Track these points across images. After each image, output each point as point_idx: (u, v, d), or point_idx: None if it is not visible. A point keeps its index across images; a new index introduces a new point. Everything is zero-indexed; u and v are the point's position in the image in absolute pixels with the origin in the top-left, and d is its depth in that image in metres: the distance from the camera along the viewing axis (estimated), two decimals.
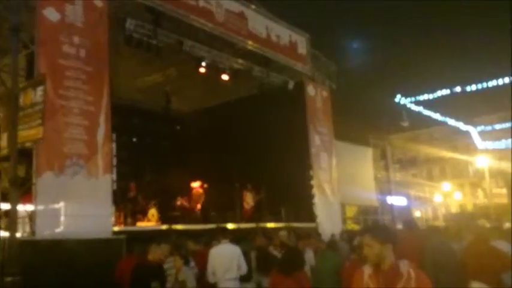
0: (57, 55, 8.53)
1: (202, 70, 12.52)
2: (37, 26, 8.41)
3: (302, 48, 14.85)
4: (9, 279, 6.37)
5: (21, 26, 8.16)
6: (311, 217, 14.47)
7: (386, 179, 19.40)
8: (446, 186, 45.43)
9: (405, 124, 19.62)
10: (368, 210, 18.10)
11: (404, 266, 3.10)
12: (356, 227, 16.52)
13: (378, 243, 3.14)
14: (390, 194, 19.47)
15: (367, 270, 3.21)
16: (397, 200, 19.70)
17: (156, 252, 6.46)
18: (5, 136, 6.97)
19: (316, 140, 15.03)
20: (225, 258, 7.49)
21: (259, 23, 13.33)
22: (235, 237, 8.14)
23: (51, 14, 8.54)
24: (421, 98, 19.30)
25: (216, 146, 15.08)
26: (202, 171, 15.07)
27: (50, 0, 8.56)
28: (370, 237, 3.20)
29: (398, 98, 17.39)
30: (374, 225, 3.55)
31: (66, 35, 8.70)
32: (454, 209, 43.53)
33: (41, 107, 6.22)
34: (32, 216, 7.92)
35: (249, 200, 14.77)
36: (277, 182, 15.34)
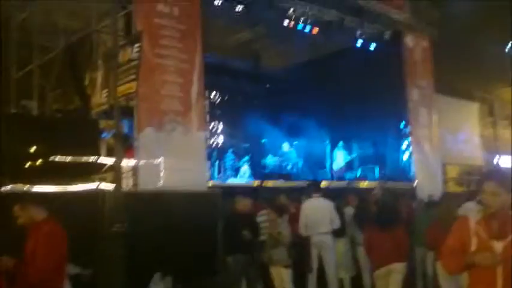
0: (152, 14, 8.72)
1: (291, 24, 12.16)
2: None
3: None
4: (115, 227, 6.85)
5: None
6: (408, 177, 13.80)
7: (493, 137, 17.81)
8: None
9: None
10: (472, 170, 16.81)
11: None
12: (459, 189, 15.48)
13: (505, 191, 2.89)
14: (498, 153, 17.89)
15: (473, 217, 3.00)
16: (504, 160, 18.08)
17: (243, 203, 6.56)
18: (104, 93, 7.37)
19: (414, 95, 14.05)
20: (318, 211, 7.42)
21: None
22: (328, 194, 8.01)
23: None
24: None
25: (307, 103, 14.79)
26: (293, 129, 14.97)
27: None
28: (496, 184, 2.94)
29: (510, 46, 15.56)
30: (497, 170, 3.30)
31: None
32: None
33: (137, 62, 6.45)
34: (134, 170, 8.37)
35: (339, 159, 14.45)
36: (372, 139, 14.82)
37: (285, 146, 14.41)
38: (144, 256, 6.87)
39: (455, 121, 15.71)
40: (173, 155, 8.57)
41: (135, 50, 6.55)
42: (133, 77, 6.57)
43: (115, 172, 7.56)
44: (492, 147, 17.73)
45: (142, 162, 8.30)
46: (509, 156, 17.37)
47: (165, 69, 8.71)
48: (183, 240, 7.21)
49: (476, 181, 15.40)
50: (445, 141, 14.66)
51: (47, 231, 3.88)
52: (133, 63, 6.56)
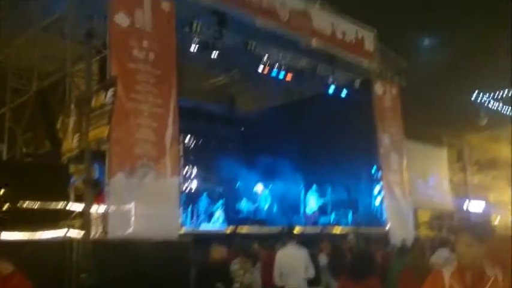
0: (127, 59, 8.75)
1: (266, 70, 12.44)
2: (108, 31, 8.69)
3: (369, 44, 14.28)
4: (83, 275, 6.59)
5: (94, 32, 8.54)
6: (381, 221, 13.89)
7: (463, 182, 18.23)
8: None
9: (483, 122, 18.31)
10: (443, 215, 17.07)
11: (489, 267, 2.90)
12: (430, 233, 15.64)
13: (478, 242, 2.90)
14: (467, 198, 18.27)
15: (447, 270, 2.99)
16: (475, 205, 18.45)
17: (218, 253, 6.42)
18: (76, 137, 7.25)
19: (385, 140, 14.37)
20: (292, 259, 7.30)
21: (324, 20, 12.99)
22: (302, 241, 7.93)
23: (121, 19, 8.78)
24: (502, 93, 17.90)
25: (281, 147, 14.92)
26: (268, 173, 14.98)
27: (120, 6, 8.82)
28: (470, 235, 2.94)
29: (476, 95, 16.25)
30: (471, 221, 3.33)
31: (136, 39, 8.91)
32: None
33: (109, 107, 6.40)
34: (104, 216, 8.14)
35: (312, 204, 14.47)
36: (344, 185, 14.96)
37: (259, 188, 14.35)
38: None
39: (425, 166, 16.05)
40: (145, 201, 8.39)
41: (109, 95, 6.51)
42: (105, 121, 6.50)
43: (84, 219, 7.34)
44: (462, 192, 18.10)
45: (112, 208, 8.08)
46: (479, 201, 17.76)
47: (139, 114, 8.66)
48: None
49: (449, 228, 15.66)
50: (415, 186, 14.90)
51: (13, 286, 3.76)
52: (106, 108, 6.50)
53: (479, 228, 3.11)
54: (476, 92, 16.31)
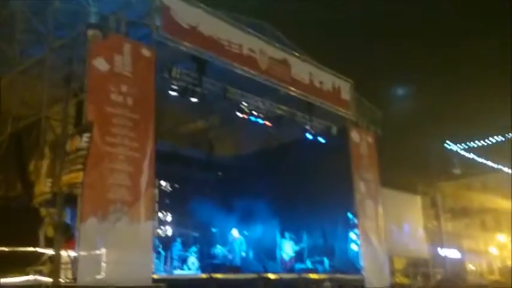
0: (105, 103, 8.77)
1: (245, 116, 12.62)
2: (87, 75, 8.73)
3: (346, 94, 14.71)
4: None
5: (72, 76, 8.59)
6: (357, 268, 13.81)
7: (437, 229, 18.43)
8: (502, 237, 42.70)
9: (457, 172, 18.77)
10: (418, 263, 17.11)
11: None
12: (405, 280, 15.61)
13: None
14: (442, 245, 18.41)
15: None
16: (449, 252, 18.58)
17: None
18: (49, 181, 7.15)
19: (361, 187, 14.55)
20: None
21: (303, 70, 13.38)
22: None
23: (100, 64, 8.87)
24: (474, 144, 18.50)
25: (258, 192, 14.89)
26: (243, 218, 14.85)
27: (99, 51, 8.93)
28: None
29: (449, 145, 16.73)
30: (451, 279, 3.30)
31: (115, 83, 8.97)
32: (510, 262, 40.73)
33: (84, 152, 6.36)
34: (74, 262, 7.92)
35: (288, 249, 14.34)
36: (321, 231, 14.93)
37: (234, 234, 14.15)
38: None
39: (400, 213, 16.23)
40: (117, 246, 8.22)
41: (84, 139, 6.48)
42: (80, 166, 6.43)
43: (53, 264, 7.12)
44: (436, 239, 18.27)
45: (82, 253, 7.88)
46: (453, 248, 17.90)
47: (114, 158, 8.60)
48: None
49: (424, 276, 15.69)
50: (391, 233, 14.98)
51: None
52: (81, 153, 6.45)
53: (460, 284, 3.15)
54: (449, 141, 16.83)
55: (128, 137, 8.88)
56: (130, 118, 9.02)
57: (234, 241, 14.03)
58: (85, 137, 6.52)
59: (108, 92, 8.85)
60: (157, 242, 11.21)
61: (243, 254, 14.14)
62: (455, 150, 17.50)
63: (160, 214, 13.45)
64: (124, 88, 9.08)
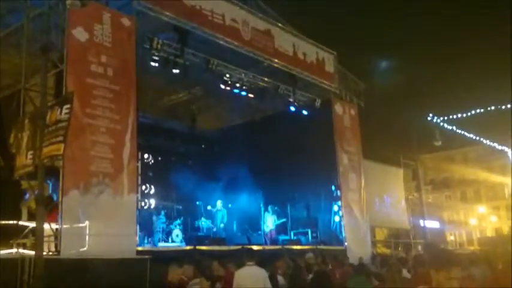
0: (85, 74, 8.61)
1: (228, 88, 12.51)
2: (66, 45, 8.52)
3: (329, 66, 14.66)
4: None
5: (51, 46, 8.34)
6: (339, 239, 14.06)
7: (418, 201, 18.78)
8: (481, 208, 43.87)
9: (438, 143, 19.04)
10: (399, 233, 17.49)
11: None
12: (386, 251, 15.95)
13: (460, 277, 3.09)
14: (422, 216, 18.80)
15: None
16: (429, 223, 19.00)
17: (176, 273, 6.29)
18: (30, 153, 7.02)
19: (344, 160, 14.67)
20: (251, 280, 7.23)
21: (286, 41, 13.26)
22: (261, 260, 7.91)
23: (80, 33, 8.66)
24: (454, 116, 18.75)
25: (241, 165, 14.93)
26: (227, 191, 14.91)
27: (79, 20, 8.69)
28: (459, 270, 3.07)
29: (431, 117, 16.91)
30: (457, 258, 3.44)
31: (95, 54, 8.80)
32: (489, 233, 41.96)
33: (65, 124, 6.22)
34: (57, 234, 7.88)
35: (269, 222, 14.49)
36: (304, 203, 15.08)
37: (218, 205, 14.22)
38: None
39: (382, 186, 16.45)
40: (100, 219, 8.19)
41: (65, 111, 6.34)
42: (60, 138, 6.30)
43: (36, 237, 7.06)
44: (417, 210, 18.64)
45: (65, 226, 7.84)
46: (434, 219, 18.27)
47: (95, 130, 8.50)
48: None
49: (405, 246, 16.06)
50: (373, 205, 15.22)
51: None
52: (61, 125, 6.31)
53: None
54: (431, 114, 16.99)
55: (109, 109, 8.76)
56: (111, 89, 8.89)
57: (216, 213, 14.11)
58: (65, 108, 6.37)
59: (88, 63, 8.68)
60: (141, 214, 11.22)
61: (227, 227, 14.25)
62: (436, 122, 17.73)
63: (143, 187, 13.41)
64: (104, 59, 8.91)
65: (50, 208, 7.96)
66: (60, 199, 7.99)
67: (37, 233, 7.06)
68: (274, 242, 13.91)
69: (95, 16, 8.92)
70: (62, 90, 8.28)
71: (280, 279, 7.83)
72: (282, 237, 14.49)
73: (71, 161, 8.00)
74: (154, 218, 12.54)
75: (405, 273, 7.27)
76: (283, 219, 14.66)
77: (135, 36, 9.54)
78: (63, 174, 7.98)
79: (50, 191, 8.87)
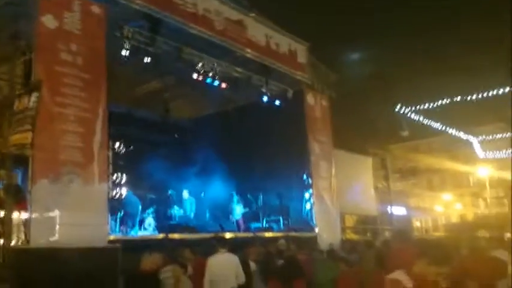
0: (54, 62, 8.49)
1: (200, 78, 12.51)
2: (35, 33, 8.39)
3: (302, 57, 14.81)
4: (4, 286, 6.30)
5: (19, 34, 8.20)
6: (310, 226, 14.35)
7: (386, 189, 19.28)
8: (447, 196, 45.24)
9: (405, 134, 19.57)
10: (367, 220, 17.96)
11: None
12: (355, 237, 16.39)
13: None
14: (390, 203, 19.34)
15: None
16: (397, 210, 19.55)
17: (148, 261, 6.35)
18: None
19: (315, 149, 14.94)
20: (223, 267, 7.38)
21: (259, 31, 13.31)
22: (233, 247, 8.05)
23: (49, 21, 8.52)
24: (421, 107, 19.26)
25: (214, 154, 15.01)
26: (199, 179, 14.98)
27: (48, 7, 8.55)
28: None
29: (398, 107, 17.34)
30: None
31: (64, 42, 8.68)
32: (454, 219, 43.32)
33: (33, 112, 6.18)
34: (26, 224, 7.82)
35: (238, 211, 14.65)
36: (276, 190, 15.29)
37: (185, 194, 14.24)
38: None
39: (352, 174, 16.82)
40: (70, 208, 8.15)
41: (33, 99, 6.27)
42: (28, 127, 6.26)
43: (5, 226, 7.02)
44: (385, 198, 19.14)
45: (35, 215, 7.78)
46: (401, 206, 18.78)
47: (65, 119, 8.41)
48: None
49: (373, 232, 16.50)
50: (343, 193, 15.56)
51: None
52: (29, 113, 6.26)
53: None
54: (399, 105, 17.43)
55: (78, 98, 8.68)
56: (81, 78, 8.80)
57: (185, 201, 14.15)
58: (34, 96, 6.31)
59: (57, 51, 8.56)
60: (113, 203, 11.19)
61: (200, 215, 14.34)
62: (404, 113, 18.20)
63: (115, 176, 13.33)
64: (74, 47, 8.80)
65: (19, 197, 7.90)
66: (29, 188, 7.90)
67: (6, 222, 7.03)
68: (246, 229, 14.09)
69: (65, 3, 8.80)
70: (30, 78, 8.16)
71: (252, 265, 8.00)
72: (254, 224, 14.71)
73: (40, 150, 7.92)
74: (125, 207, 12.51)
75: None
76: (258, 206, 14.88)
77: (106, 24, 9.44)
78: (32, 163, 7.89)
79: (20, 181, 8.76)
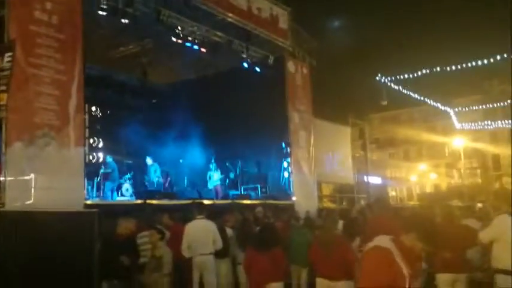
0: (28, 21, 8.16)
1: (180, 42, 12.22)
2: None
3: (283, 23, 14.58)
4: None
5: None
6: (288, 194, 14.51)
7: (363, 158, 19.55)
8: (422, 166, 46.27)
9: (384, 103, 19.72)
10: (344, 189, 18.26)
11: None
12: (332, 205, 16.68)
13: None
14: (367, 173, 19.65)
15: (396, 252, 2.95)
16: (372, 179, 19.89)
17: (123, 227, 6.34)
18: None
19: (295, 118, 14.94)
20: (201, 233, 7.44)
21: None
22: (210, 213, 8.09)
23: None
24: (402, 77, 19.39)
25: (192, 120, 14.86)
26: (177, 146, 14.87)
27: None
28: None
29: (379, 77, 17.39)
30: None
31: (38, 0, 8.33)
32: (428, 189, 44.46)
33: (7, 73, 5.96)
34: (1, 187, 7.68)
35: (216, 178, 14.65)
36: (255, 159, 15.34)
37: (148, 161, 14.04)
38: (11, 282, 6.27)
39: (330, 143, 16.95)
40: (46, 172, 8.03)
41: (7, 59, 6.03)
42: (3, 88, 6.04)
43: None
44: (362, 168, 19.43)
45: (9, 179, 7.64)
46: (377, 176, 19.10)
47: (40, 80, 8.16)
48: (55, 265, 6.72)
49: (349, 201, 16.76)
50: (320, 162, 15.71)
51: None
52: (3, 73, 6.02)
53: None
54: (380, 74, 17.45)
55: (53, 59, 8.41)
56: (56, 38, 8.51)
57: (149, 167, 13.95)
58: (7, 56, 6.07)
59: (32, 9, 8.22)
60: (90, 168, 11.07)
61: (157, 180, 13.99)
62: (384, 82, 18.27)
63: (91, 140, 13.13)
64: (49, 5, 8.47)
65: None
66: (3, 151, 7.73)
67: None
68: (224, 196, 14.17)
69: None
70: (3, 37, 7.84)
71: (229, 231, 8.07)
72: (232, 192, 14.78)
73: (14, 112, 7.71)
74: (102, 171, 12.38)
75: (341, 225, 7.65)
76: (237, 173, 14.92)
77: None
78: (6, 126, 7.69)
79: None
